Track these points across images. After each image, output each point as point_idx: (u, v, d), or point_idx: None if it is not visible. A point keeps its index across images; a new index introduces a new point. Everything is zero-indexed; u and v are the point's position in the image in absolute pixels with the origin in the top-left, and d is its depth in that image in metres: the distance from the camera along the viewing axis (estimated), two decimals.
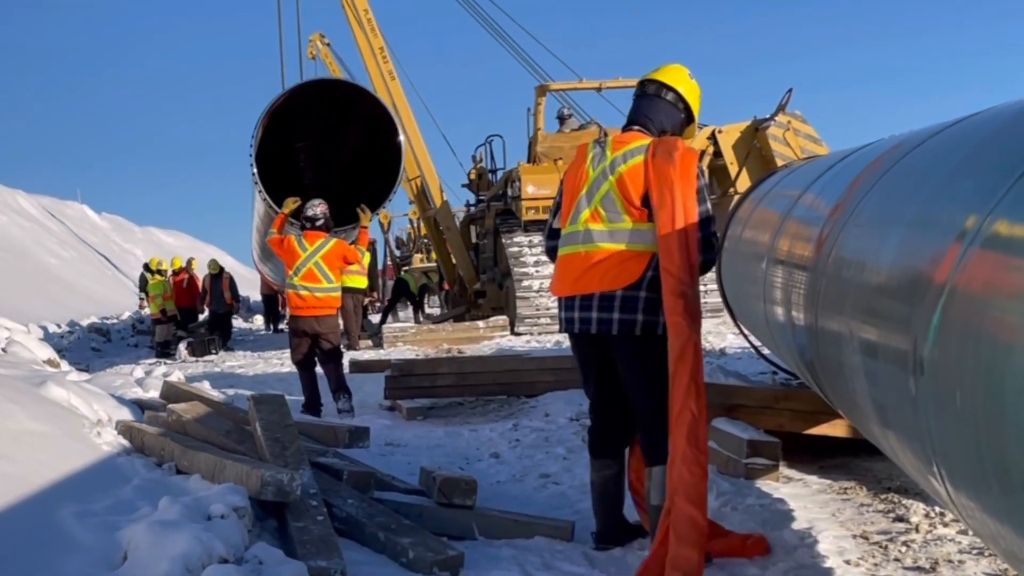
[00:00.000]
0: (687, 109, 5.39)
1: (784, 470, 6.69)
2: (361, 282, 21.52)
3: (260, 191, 18.59)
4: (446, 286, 28.87)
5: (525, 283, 20.36)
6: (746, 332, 8.55)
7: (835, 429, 6.80)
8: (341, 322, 16.53)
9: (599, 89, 23.09)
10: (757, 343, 8.40)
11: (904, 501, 5.88)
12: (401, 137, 19.70)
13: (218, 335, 24.92)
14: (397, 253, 39.43)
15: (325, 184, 19.87)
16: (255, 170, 18.65)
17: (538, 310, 20.09)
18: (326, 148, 21.62)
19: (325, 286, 11.16)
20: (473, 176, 26.05)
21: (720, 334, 15.29)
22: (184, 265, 28.22)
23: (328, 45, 27.45)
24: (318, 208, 11.46)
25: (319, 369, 11.49)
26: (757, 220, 7.10)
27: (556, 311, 20.19)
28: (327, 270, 11.17)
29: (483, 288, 23.60)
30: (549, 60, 70.32)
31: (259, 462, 5.73)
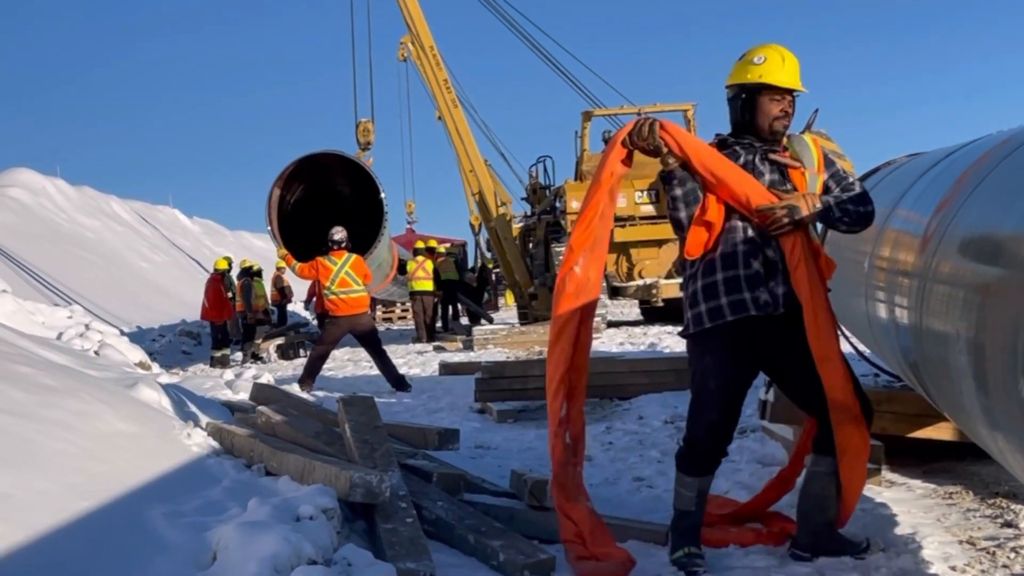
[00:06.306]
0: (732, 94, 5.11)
1: (887, 474, 6.50)
2: (428, 285, 26.13)
3: (275, 237, 22.00)
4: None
5: None
6: (847, 333, 8.36)
7: (940, 432, 6.59)
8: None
9: (638, 114, 24.65)
10: (859, 344, 8.22)
11: (1013, 506, 5.67)
12: (383, 195, 22.18)
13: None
14: (488, 255, 39.46)
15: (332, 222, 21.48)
16: (271, 222, 22.44)
17: None
18: (336, 196, 24.50)
19: (356, 288, 14.38)
20: (528, 191, 28.55)
21: None
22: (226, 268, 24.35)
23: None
24: (341, 233, 14.78)
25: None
26: None
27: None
28: (356, 276, 14.37)
29: (535, 292, 25.72)
30: (598, 83, 71.34)
31: (348, 464, 5.70)
